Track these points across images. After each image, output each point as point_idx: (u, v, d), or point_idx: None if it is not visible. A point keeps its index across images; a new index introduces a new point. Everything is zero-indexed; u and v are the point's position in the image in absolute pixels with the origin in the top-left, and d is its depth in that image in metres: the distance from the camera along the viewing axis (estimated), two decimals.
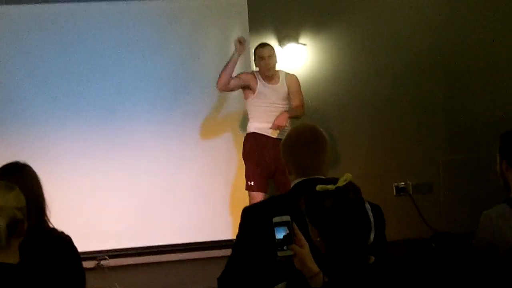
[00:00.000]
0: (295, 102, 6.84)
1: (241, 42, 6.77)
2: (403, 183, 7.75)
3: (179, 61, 7.51)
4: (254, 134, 6.74)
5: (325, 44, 7.79)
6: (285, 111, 6.69)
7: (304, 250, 2.54)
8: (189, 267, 7.11)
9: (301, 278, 2.56)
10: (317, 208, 2.55)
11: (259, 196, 6.58)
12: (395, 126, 7.92)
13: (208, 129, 7.49)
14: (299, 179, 3.09)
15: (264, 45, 6.87)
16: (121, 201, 7.31)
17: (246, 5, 7.54)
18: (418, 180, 7.82)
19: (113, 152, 7.36)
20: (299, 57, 7.71)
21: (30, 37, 7.30)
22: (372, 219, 2.67)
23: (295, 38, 7.69)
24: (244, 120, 7.07)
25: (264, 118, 6.70)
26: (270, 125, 6.64)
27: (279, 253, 2.55)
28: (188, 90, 7.48)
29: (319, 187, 2.54)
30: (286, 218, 2.56)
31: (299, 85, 6.92)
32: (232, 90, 6.91)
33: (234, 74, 6.77)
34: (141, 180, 7.39)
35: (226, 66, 6.73)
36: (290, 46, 7.67)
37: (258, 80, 6.74)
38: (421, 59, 7.96)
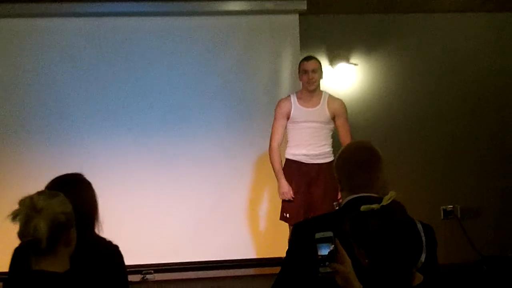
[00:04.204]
0: (344, 138, 6.40)
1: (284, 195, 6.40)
2: (451, 206, 7.69)
3: (229, 80, 7.52)
4: (289, 161, 6.47)
5: (376, 65, 7.78)
6: None
7: (346, 267, 2.51)
8: (235, 283, 7.10)
9: None
10: (362, 229, 2.53)
11: None
12: (444, 149, 7.86)
13: (259, 148, 7.43)
14: (351, 196, 3.07)
15: (309, 58, 6.48)
16: (169, 216, 7.34)
17: (298, 24, 7.55)
18: (467, 204, 7.75)
19: (162, 168, 7.39)
20: (350, 77, 7.71)
21: (83, 50, 7.39)
22: (424, 239, 2.66)
23: (346, 57, 7.69)
24: None
25: (299, 143, 6.40)
26: (304, 150, 6.36)
27: (321, 269, 2.51)
28: (238, 108, 7.49)
29: (363, 208, 2.53)
30: (329, 234, 2.54)
31: (346, 112, 6.49)
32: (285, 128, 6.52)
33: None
34: (189, 196, 7.40)
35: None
36: (341, 65, 7.67)
37: (292, 105, 6.41)
38: (472, 84, 7.92)
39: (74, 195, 3.02)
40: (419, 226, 2.79)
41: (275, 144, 6.46)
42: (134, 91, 7.44)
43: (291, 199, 6.35)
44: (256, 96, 7.49)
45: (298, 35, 7.55)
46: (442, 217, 7.67)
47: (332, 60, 7.68)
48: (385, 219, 2.50)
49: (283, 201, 6.42)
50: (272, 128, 6.50)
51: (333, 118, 6.41)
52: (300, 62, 6.51)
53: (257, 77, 7.52)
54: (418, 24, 7.90)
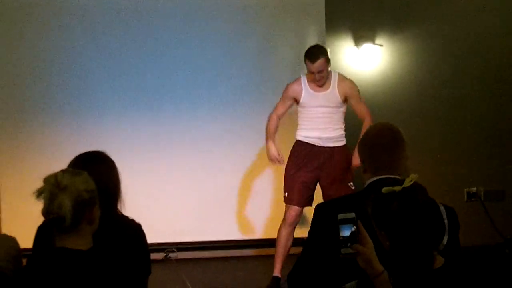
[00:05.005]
0: (363, 116, 6.23)
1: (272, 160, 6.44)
2: (474, 189, 7.66)
3: (254, 59, 7.52)
4: (299, 142, 6.36)
5: (402, 46, 7.72)
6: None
7: (368, 249, 2.49)
8: (258, 263, 7.13)
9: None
10: (383, 211, 2.54)
11: (291, 209, 6.22)
12: (468, 130, 7.80)
13: (281, 128, 7.38)
14: (374, 178, 3.08)
15: (314, 58, 6.04)
16: (192, 195, 7.38)
17: (324, 5, 7.49)
18: (490, 186, 7.71)
19: (186, 147, 7.42)
20: (375, 58, 7.67)
21: (107, 28, 7.39)
22: (446, 221, 2.65)
23: (371, 38, 7.64)
24: None
25: (312, 126, 6.27)
26: (317, 133, 6.23)
27: (343, 251, 2.49)
28: (262, 88, 7.47)
29: (385, 189, 2.52)
30: (351, 215, 2.52)
31: (358, 91, 6.27)
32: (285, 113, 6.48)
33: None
34: (212, 176, 7.43)
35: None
36: (366, 46, 7.63)
37: (303, 89, 6.22)
38: (498, 66, 7.83)
39: (97, 172, 3.03)
40: (442, 208, 2.79)
41: (274, 116, 6.41)
42: (158, 70, 7.44)
43: (278, 164, 6.39)
44: (281, 76, 7.42)
45: (324, 15, 7.50)
46: (465, 200, 7.65)
47: (357, 41, 7.63)
48: (406, 201, 2.50)
49: (284, 180, 6.35)
50: (276, 105, 6.43)
51: (345, 100, 6.26)
52: (305, 59, 6.13)
53: (282, 57, 7.51)
54: (445, 4, 7.82)
